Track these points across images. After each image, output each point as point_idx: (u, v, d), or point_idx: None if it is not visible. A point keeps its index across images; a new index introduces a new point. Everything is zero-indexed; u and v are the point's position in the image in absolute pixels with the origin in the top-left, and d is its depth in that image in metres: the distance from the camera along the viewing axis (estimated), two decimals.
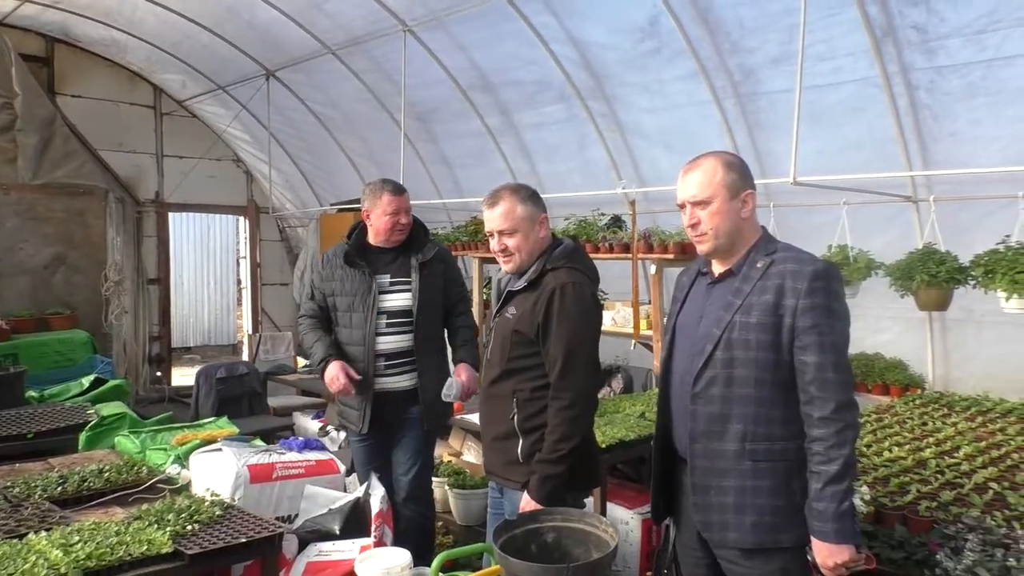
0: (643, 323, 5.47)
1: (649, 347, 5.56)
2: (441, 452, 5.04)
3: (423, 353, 3.68)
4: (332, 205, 8.73)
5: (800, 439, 2.14)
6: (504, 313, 2.82)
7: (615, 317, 5.86)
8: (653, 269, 5.38)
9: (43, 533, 2.57)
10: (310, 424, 6.23)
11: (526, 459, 2.65)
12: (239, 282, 13.30)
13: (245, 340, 10.75)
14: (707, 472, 2.21)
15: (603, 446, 3.80)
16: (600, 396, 5.64)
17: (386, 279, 3.67)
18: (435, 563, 1.86)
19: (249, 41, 7.59)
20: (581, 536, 1.77)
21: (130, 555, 2.41)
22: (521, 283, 2.77)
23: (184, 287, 13.07)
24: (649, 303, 5.52)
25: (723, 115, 5.41)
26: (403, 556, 2.07)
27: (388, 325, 3.63)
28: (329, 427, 5.99)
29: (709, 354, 2.22)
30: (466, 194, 7.74)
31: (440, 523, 4.21)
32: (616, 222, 6.21)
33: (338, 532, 3.09)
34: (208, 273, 13.66)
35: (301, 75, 7.89)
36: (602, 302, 5.93)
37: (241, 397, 6.18)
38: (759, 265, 2.23)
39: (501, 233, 2.77)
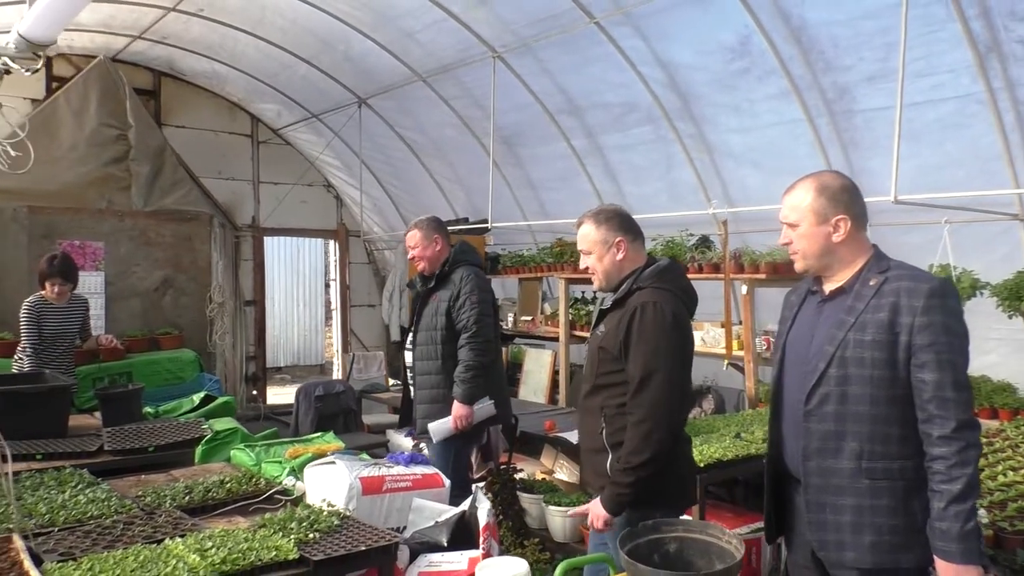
0: (735, 344, 5.44)
1: (740, 368, 5.52)
2: (534, 471, 5.10)
3: (418, 372, 4.35)
4: None
5: (919, 457, 2.13)
6: (596, 330, 2.93)
7: (704, 337, 5.84)
8: (744, 289, 5.36)
9: (178, 539, 2.74)
10: (403, 441, 6.36)
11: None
12: (327, 304, 13.73)
13: (336, 360, 11.05)
14: (822, 490, 2.21)
15: (700, 465, 3.81)
16: (690, 416, 5.67)
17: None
18: (558, 571, 1.93)
19: (343, 71, 7.91)
20: (703, 547, 1.80)
21: (260, 560, 2.55)
22: (609, 302, 2.90)
23: (275, 309, 13.55)
24: (740, 323, 5.49)
25: (816, 133, 5.37)
26: (521, 566, 2.14)
27: (410, 342, 4.47)
28: (422, 444, 6.12)
29: (822, 372, 2.23)
30: (551, 216, 7.84)
31: (536, 539, 4.27)
32: (704, 242, 6.20)
33: (445, 544, 3.19)
34: (298, 295, 14.14)
35: (391, 102, 8.16)
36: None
37: (337, 414, 6.40)
38: (872, 283, 2.23)
39: (582, 252, 2.97)
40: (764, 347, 5.38)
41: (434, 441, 4.20)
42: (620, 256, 2.88)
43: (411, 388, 4.48)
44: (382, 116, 8.44)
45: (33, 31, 2.06)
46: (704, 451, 3.95)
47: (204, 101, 9.44)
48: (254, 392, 9.82)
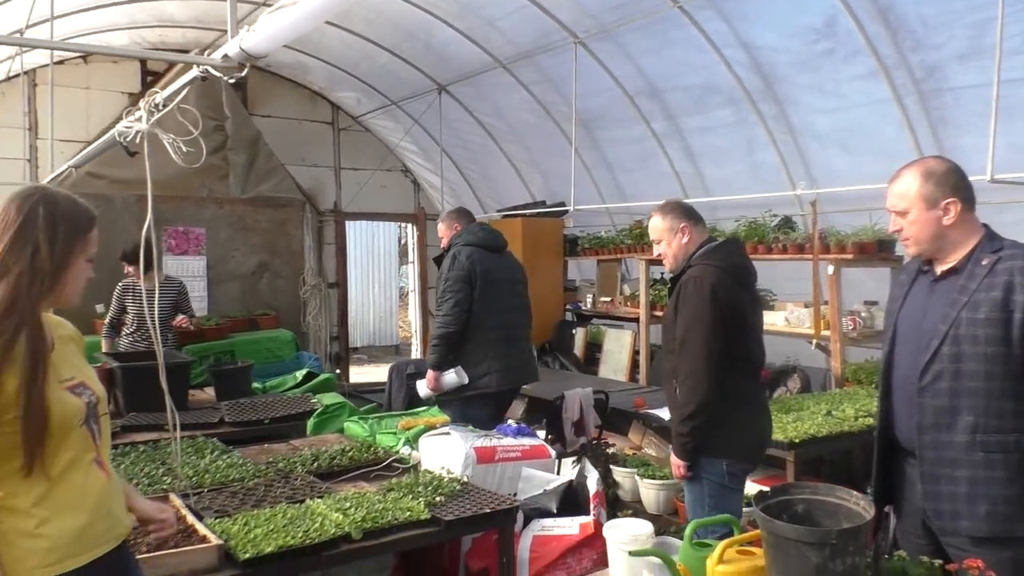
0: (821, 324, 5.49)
1: (825, 348, 5.57)
2: (623, 446, 5.27)
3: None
4: (498, 211, 9.15)
5: None
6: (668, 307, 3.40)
7: (788, 317, 5.89)
8: (831, 269, 5.40)
9: (317, 500, 2.99)
10: None
11: None
12: (402, 286, 14.08)
13: (414, 340, 11.36)
14: (937, 463, 2.31)
15: (795, 440, 3.93)
16: (776, 395, 5.75)
17: None
18: (688, 530, 2.09)
19: (424, 59, 8.12)
20: (831, 508, 1.92)
21: (396, 520, 2.78)
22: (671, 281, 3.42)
23: (352, 291, 13.97)
24: (826, 304, 5.53)
25: (904, 113, 5.35)
26: (646, 526, 2.30)
27: None
28: (509, 420, 6.33)
29: (936, 349, 2.32)
30: (629, 198, 7.95)
31: (630, 511, 4.43)
32: (787, 223, 6.24)
33: (555, 510, 3.39)
34: (373, 278, 14.52)
35: (470, 88, 8.35)
36: (760, 295, 6.04)
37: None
38: (984, 263, 2.31)
39: (654, 242, 3.46)
40: (850, 327, 5.42)
41: (421, 396, 4.95)
42: (686, 239, 3.33)
43: None
44: (461, 102, 8.63)
45: (258, 47, 2.27)
46: (798, 428, 4.06)
47: (287, 91, 9.77)
48: (337, 371, 10.20)
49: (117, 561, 1.93)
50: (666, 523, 4.18)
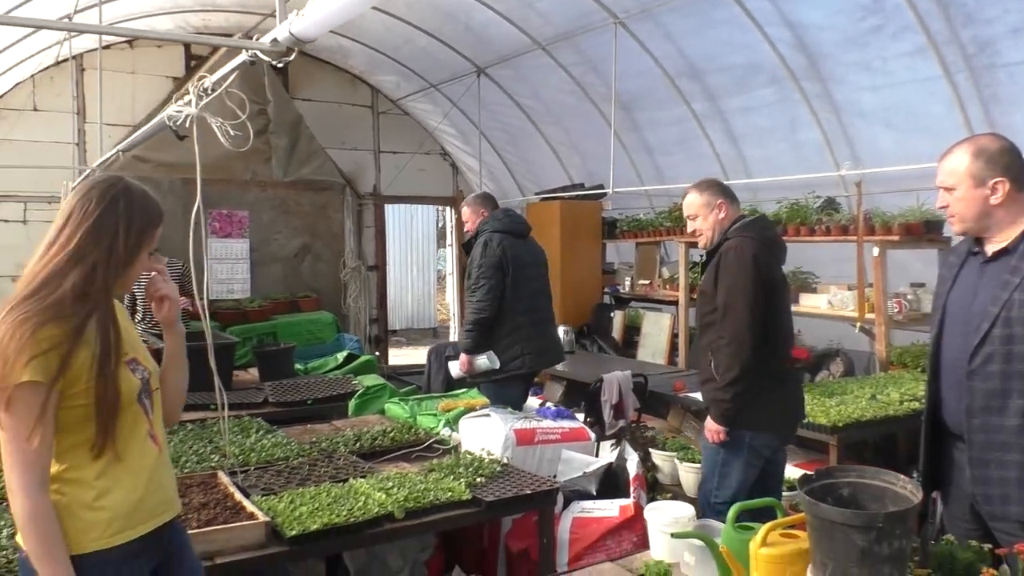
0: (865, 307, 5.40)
1: (870, 332, 5.48)
2: (662, 429, 5.25)
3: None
4: (536, 194, 9.13)
5: None
6: (701, 280, 3.48)
7: (831, 300, 5.81)
8: (876, 251, 5.30)
9: (360, 479, 3.04)
10: (530, 400, 6.63)
11: None
12: (440, 269, 14.15)
13: (452, 323, 11.43)
14: (986, 447, 2.27)
15: (838, 424, 3.88)
16: (818, 378, 5.68)
17: None
18: (731, 512, 2.08)
19: (463, 41, 8.10)
20: (877, 492, 1.90)
21: (438, 500, 2.81)
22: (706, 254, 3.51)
23: (391, 274, 14.09)
24: (871, 286, 5.43)
25: (954, 90, 5.21)
26: (688, 509, 2.30)
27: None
28: (547, 403, 6.35)
29: (986, 332, 2.27)
30: (668, 181, 7.87)
31: (669, 495, 4.43)
32: (830, 204, 6.13)
33: (594, 493, 3.40)
34: (412, 261, 14.61)
35: (509, 70, 8.31)
36: (806, 280, 5.95)
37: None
38: None
39: (688, 218, 3.53)
40: (896, 310, 5.33)
41: (453, 376, 5.11)
42: (722, 216, 3.41)
43: None
44: (500, 84, 8.61)
45: (307, 31, 2.29)
46: (841, 411, 4.01)
47: (327, 74, 9.82)
48: (376, 353, 10.30)
49: (171, 534, 1.99)
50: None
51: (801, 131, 6.44)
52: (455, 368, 5.07)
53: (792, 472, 3.65)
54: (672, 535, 2.15)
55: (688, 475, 4.42)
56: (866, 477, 1.93)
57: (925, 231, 5.23)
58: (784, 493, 3.35)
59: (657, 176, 8.06)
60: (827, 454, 4.02)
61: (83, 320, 1.77)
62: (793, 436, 3.60)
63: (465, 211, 5.30)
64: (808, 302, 5.94)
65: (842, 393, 4.49)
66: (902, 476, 1.87)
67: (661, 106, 7.42)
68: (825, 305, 5.81)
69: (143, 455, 1.91)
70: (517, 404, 4.76)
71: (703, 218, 3.44)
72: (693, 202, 3.48)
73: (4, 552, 2.34)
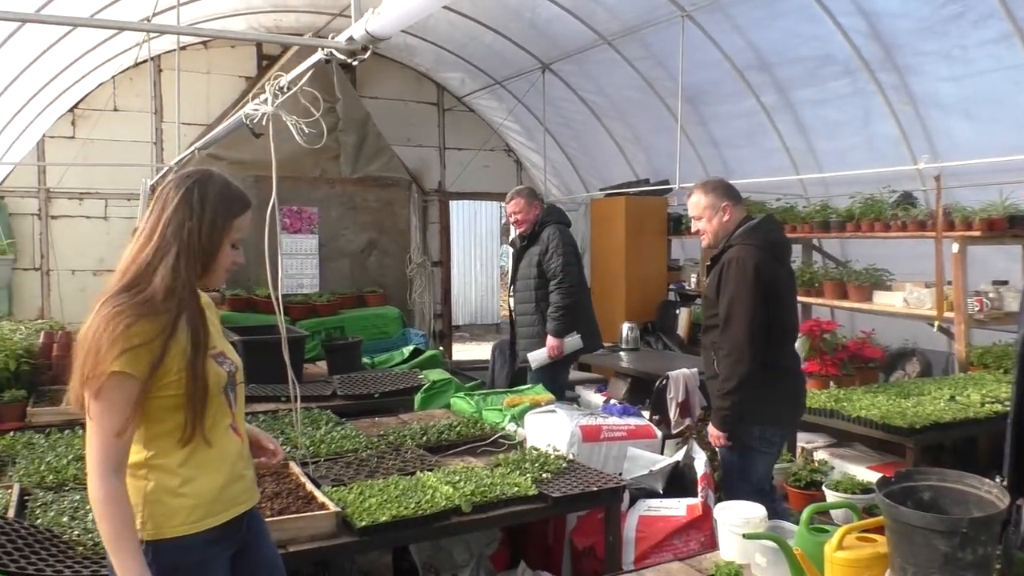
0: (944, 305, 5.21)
1: (949, 332, 5.29)
2: None
3: (518, 313, 5.42)
4: (600, 190, 9.08)
5: None
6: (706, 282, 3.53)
7: (907, 298, 5.62)
8: (955, 248, 5.11)
9: (427, 472, 3.08)
10: (594, 397, 6.60)
11: None
12: (503, 265, 14.19)
13: None
14: None
15: (915, 426, 3.76)
16: (893, 378, 5.51)
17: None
18: (805, 514, 2.03)
19: (528, 38, 8.10)
20: (959, 496, 1.83)
21: (504, 494, 2.83)
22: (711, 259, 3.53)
23: (455, 270, 14.20)
24: (950, 284, 5.24)
25: None
26: (759, 509, 2.26)
27: (512, 292, 5.53)
28: (612, 400, 6.31)
29: None
30: (735, 176, 7.70)
31: None
32: (907, 199, 5.94)
33: (661, 491, 3.36)
34: (475, 257, 14.69)
35: (573, 66, 8.28)
36: (880, 277, 5.77)
37: (527, 370, 6.68)
38: None
39: (693, 218, 3.55)
40: (977, 308, 5.13)
41: (533, 367, 5.24)
42: (726, 218, 3.41)
43: (514, 325, 5.59)
44: (564, 80, 8.58)
45: (383, 29, 2.33)
46: (918, 413, 3.89)
47: (394, 72, 9.94)
48: (440, 348, 10.40)
49: (249, 522, 2.05)
50: None
51: (875, 123, 6.25)
52: (539, 357, 5.19)
53: (868, 475, 3.56)
54: (744, 536, 2.11)
55: None
56: (948, 480, 1.86)
57: (1009, 226, 5.02)
58: (860, 496, 3.26)
59: (724, 170, 7.91)
60: (904, 457, 3.90)
61: (174, 317, 1.84)
62: (796, 426, 3.81)
63: (519, 203, 5.43)
64: (882, 300, 5.76)
65: (919, 394, 4.34)
66: (987, 480, 1.80)
67: (728, 99, 7.29)
68: (900, 303, 5.63)
69: (226, 445, 1.97)
70: (567, 388, 4.98)
71: (707, 220, 3.46)
72: (698, 203, 3.48)
73: (91, 535, 2.44)
